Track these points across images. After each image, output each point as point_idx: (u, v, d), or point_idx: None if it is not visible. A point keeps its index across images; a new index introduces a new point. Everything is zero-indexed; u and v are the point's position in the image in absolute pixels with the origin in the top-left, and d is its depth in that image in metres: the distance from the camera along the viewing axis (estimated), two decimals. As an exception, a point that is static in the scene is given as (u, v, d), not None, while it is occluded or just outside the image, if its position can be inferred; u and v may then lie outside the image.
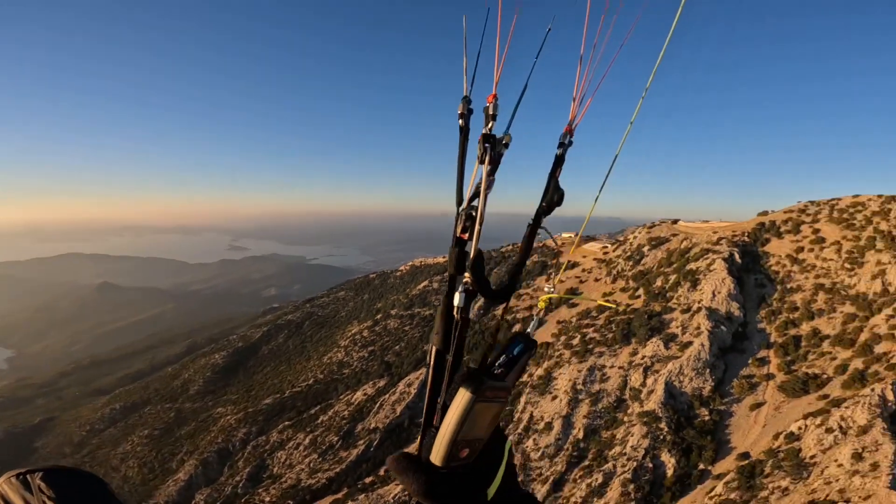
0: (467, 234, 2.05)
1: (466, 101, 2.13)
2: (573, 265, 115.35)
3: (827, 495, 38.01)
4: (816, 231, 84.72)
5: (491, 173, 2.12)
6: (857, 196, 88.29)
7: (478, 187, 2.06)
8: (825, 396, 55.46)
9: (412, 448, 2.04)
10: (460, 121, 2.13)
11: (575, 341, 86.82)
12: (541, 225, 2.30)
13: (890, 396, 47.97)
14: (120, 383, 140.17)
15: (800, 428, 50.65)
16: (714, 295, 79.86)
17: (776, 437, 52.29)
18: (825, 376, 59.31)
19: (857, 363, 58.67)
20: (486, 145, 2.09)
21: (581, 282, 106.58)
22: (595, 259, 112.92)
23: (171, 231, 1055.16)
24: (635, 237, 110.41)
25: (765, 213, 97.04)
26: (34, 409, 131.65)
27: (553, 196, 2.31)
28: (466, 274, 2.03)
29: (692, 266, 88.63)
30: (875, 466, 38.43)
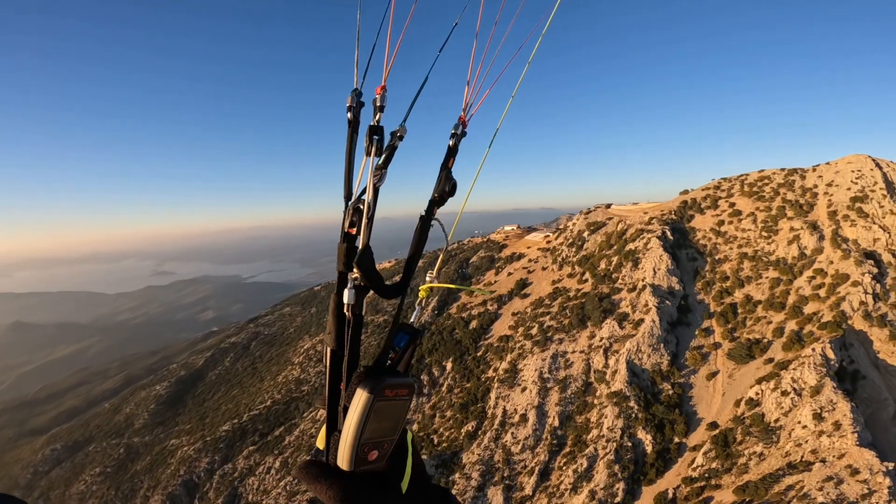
0: (355, 230, 2.05)
1: (356, 93, 2.17)
2: (519, 256, 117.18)
3: (802, 457, 41.02)
4: (732, 205, 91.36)
5: (383, 166, 2.16)
6: (762, 171, 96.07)
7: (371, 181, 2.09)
8: (770, 360, 59.95)
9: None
10: (349, 114, 2.16)
11: (534, 331, 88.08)
12: (434, 217, 2.36)
13: (830, 355, 52.63)
14: (55, 422, 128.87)
15: (757, 394, 54.41)
16: (655, 272, 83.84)
17: (737, 404, 55.90)
18: (766, 340, 64.14)
19: (792, 325, 63.98)
20: (374, 137, 2.13)
21: (529, 272, 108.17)
22: (539, 249, 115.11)
23: (83, 261, 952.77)
24: (574, 224, 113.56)
25: (686, 192, 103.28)
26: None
27: (445, 186, 2.39)
28: (355, 269, 1.99)
29: (631, 246, 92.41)
30: (838, 426, 41.86)
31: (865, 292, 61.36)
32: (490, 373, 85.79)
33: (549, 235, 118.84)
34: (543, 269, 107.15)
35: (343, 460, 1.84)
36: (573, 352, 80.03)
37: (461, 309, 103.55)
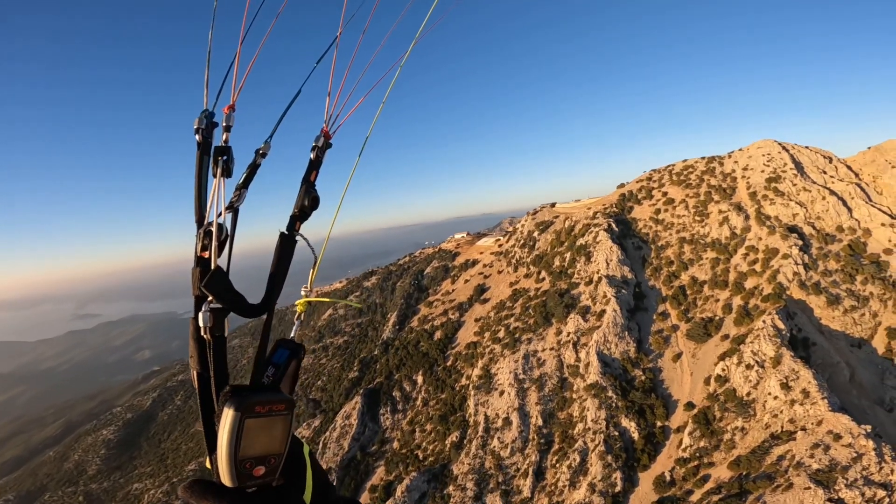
0: (207, 253, 2.09)
1: (207, 114, 2.17)
2: (473, 263, 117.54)
3: (782, 427, 43.77)
4: (665, 194, 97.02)
5: (243, 186, 2.21)
6: (686, 160, 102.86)
7: (229, 203, 2.06)
8: (726, 336, 63.87)
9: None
10: (197, 136, 2.13)
11: (501, 334, 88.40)
12: (297, 231, 2.37)
13: (780, 325, 56.81)
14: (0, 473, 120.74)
15: (723, 370, 57.67)
16: (608, 263, 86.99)
17: (707, 381, 58.96)
18: (718, 318, 68.35)
19: (737, 300, 68.64)
20: (221, 158, 2.14)
21: (485, 277, 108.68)
22: (492, 253, 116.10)
23: None
24: (523, 225, 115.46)
25: (622, 185, 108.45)
26: None
27: (305, 200, 2.38)
28: (209, 292, 2.01)
29: (581, 241, 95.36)
30: (806, 394, 45.09)
31: (796, 263, 67.03)
32: (463, 381, 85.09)
33: (500, 239, 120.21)
34: (499, 272, 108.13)
35: (224, 477, 1.88)
36: (543, 350, 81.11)
37: (423, 321, 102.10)
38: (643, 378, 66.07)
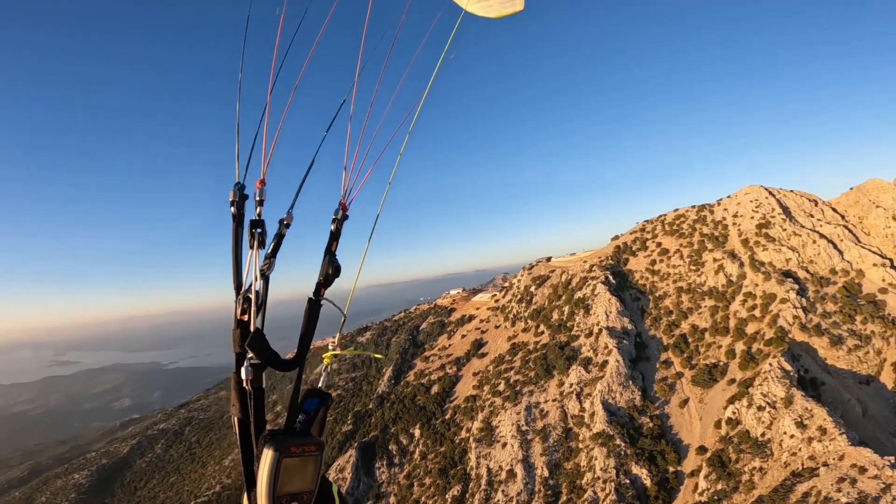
0: (247, 316, 2.40)
1: (239, 187, 2.43)
2: (469, 318, 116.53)
3: (802, 465, 41.98)
4: (659, 244, 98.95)
5: (271, 255, 2.49)
6: (677, 210, 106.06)
7: (261, 271, 2.36)
8: (733, 380, 62.82)
9: None
10: (232, 208, 2.41)
11: (501, 387, 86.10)
12: (323, 297, 2.70)
13: (787, 367, 56.15)
14: None
15: (734, 413, 56.14)
16: (607, 315, 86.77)
17: (717, 425, 57.15)
18: (722, 363, 67.51)
19: (740, 345, 68.15)
20: (256, 231, 2.43)
21: (482, 332, 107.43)
22: (489, 309, 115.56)
23: None
24: (519, 280, 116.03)
25: (617, 238, 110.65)
26: None
27: (328, 269, 2.74)
28: (250, 351, 2.35)
29: (579, 294, 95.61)
30: (823, 430, 43.78)
31: (795, 307, 67.46)
32: (463, 434, 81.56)
33: (496, 295, 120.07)
34: (497, 327, 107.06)
35: None
36: (546, 401, 78.76)
37: (419, 375, 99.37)
38: (651, 425, 63.86)
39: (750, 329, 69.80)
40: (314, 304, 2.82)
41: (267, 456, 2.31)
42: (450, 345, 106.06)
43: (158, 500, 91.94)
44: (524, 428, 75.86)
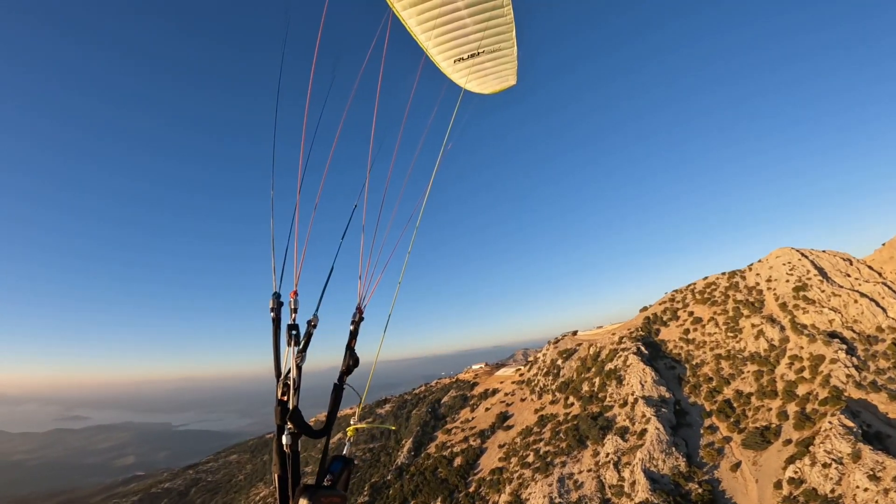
0: (286, 397, 3.06)
1: (276, 296, 3.03)
2: (493, 392, 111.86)
3: (881, 509, 37.43)
4: (691, 313, 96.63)
5: (303, 350, 3.12)
6: (706, 278, 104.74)
7: (296, 363, 3.00)
8: (789, 441, 57.99)
9: None
10: (271, 313, 3.03)
11: (530, 458, 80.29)
12: (345, 383, 3.33)
13: (849, 423, 52.06)
14: None
15: (795, 472, 51.18)
16: (642, 385, 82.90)
17: (778, 486, 51.84)
18: (774, 425, 62.69)
19: (792, 406, 63.70)
20: (293, 333, 3.06)
21: (508, 405, 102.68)
22: (514, 382, 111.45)
23: None
24: (545, 354, 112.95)
25: (645, 309, 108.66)
26: None
27: (349, 362, 3.39)
28: (289, 423, 3.02)
29: (610, 366, 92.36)
30: (901, 472, 39.60)
31: (846, 366, 63.86)
32: (492, 512, 74.34)
33: (520, 369, 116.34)
34: (522, 400, 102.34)
35: None
36: (580, 472, 72.75)
37: (441, 448, 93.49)
38: (700, 491, 57.96)
39: (801, 390, 65.63)
40: (338, 389, 3.56)
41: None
42: (473, 417, 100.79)
43: None
44: (557, 500, 69.30)
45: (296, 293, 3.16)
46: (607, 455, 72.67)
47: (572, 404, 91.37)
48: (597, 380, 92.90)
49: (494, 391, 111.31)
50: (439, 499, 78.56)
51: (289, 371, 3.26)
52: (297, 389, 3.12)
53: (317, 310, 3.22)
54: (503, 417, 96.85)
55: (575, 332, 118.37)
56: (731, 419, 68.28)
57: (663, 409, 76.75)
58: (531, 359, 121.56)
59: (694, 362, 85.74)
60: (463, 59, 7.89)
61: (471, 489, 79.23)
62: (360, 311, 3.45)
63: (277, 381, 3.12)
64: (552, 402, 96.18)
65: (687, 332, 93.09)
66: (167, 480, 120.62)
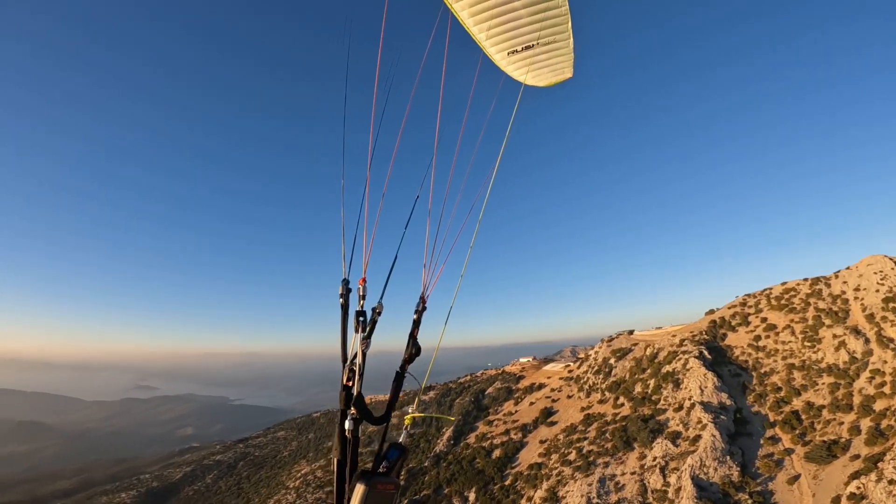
0: (351, 382, 3.26)
1: (345, 282, 3.27)
2: (539, 386, 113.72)
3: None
4: (764, 319, 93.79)
5: (367, 337, 3.34)
6: (785, 283, 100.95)
7: (362, 349, 3.19)
8: (856, 456, 56.53)
9: None
10: (340, 299, 3.26)
11: (572, 456, 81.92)
12: (406, 371, 3.61)
13: (927, 437, 50.34)
14: None
15: (858, 488, 50.24)
16: (702, 390, 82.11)
17: (836, 501, 51.13)
18: (844, 439, 61.04)
19: (866, 422, 61.68)
20: (360, 319, 3.28)
21: (553, 401, 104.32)
22: (561, 378, 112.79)
23: (66, 367, 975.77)
24: (597, 352, 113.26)
25: (712, 312, 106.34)
26: None
27: (412, 350, 3.70)
28: (353, 409, 3.17)
29: (668, 368, 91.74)
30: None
31: (936, 383, 60.96)
32: (523, 502, 77.18)
33: (569, 365, 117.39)
34: (569, 397, 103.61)
35: None
36: (623, 474, 73.77)
37: (480, 438, 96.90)
38: (751, 502, 57.78)
39: (879, 406, 63.25)
40: (399, 377, 3.80)
41: (360, 489, 3.05)
42: (516, 411, 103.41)
43: None
44: (595, 501, 70.84)
45: (364, 280, 3.36)
46: (654, 459, 73.17)
47: (622, 405, 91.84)
48: (651, 382, 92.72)
49: (540, 386, 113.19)
50: (473, 489, 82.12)
51: (354, 356, 3.48)
52: (361, 375, 3.31)
53: (381, 297, 3.41)
54: (547, 413, 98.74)
55: (631, 332, 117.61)
56: (797, 431, 66.93)
57: (722, 417, 75.95)
58: (581, 356, 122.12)
59: (762, 370, 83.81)
60: (517, 51, 8.01)
61: (507, 482, 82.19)
62: (423, 300, 3.62)
63: (343, 365, 3.30)
64: (600, 402, 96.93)
65: (758, 338, 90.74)
66: (219, 453, 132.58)
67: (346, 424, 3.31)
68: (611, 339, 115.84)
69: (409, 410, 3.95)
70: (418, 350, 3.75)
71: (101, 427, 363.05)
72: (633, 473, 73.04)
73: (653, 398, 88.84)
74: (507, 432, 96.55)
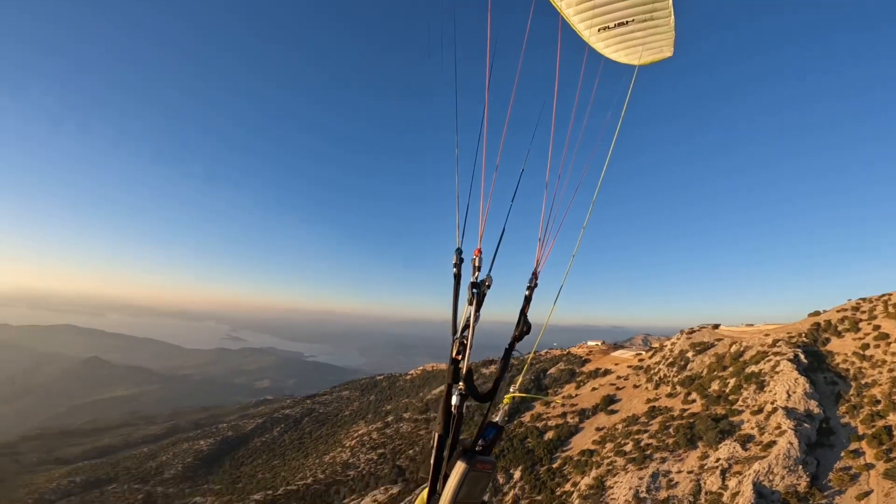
0: (461, 356, 3.22)
1: (459, 252, 3.14)
2: (605, 372, 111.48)
3: None
4: (877, 327, 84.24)
5: (476, 310, 3.23)
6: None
7: (467, 321, 3.10)
8: (952, 483, 50.53)
9: None
10: (454, 269, 3.16)
11: (628, 447, 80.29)
12: (514, 349, 3.50)
13: None
14: (85, 456, 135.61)
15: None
16: (789, 395, 76.40)
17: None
18: (940, 464, 54.63)
19: (974, 448, 54.59)
20: (474, 291, 3.18)
21: (618, 388, 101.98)
22: (629, 367, 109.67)
23: (170, 315, 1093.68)
24: (674, 343, 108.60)
25: (816, 314, 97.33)
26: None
27: (523, 328, 3.54)
28: (460, 383, 3.15)
29: (753, 369, 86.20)
30: None
31: None
32: (568, 487, 77.27)
33: (640, 354, 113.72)
34: (636, 386, 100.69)
35: None
36: (679, 472, 71.27)
37: (535, 418, 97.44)
38: (814, 515, 53.91)
39: None
40: (508, 354, 3.78)
41: (460, 467, 3.08)
42: (577, 395, 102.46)
43: (256, 479, 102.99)
44: (643, 495, 69.24)
45: (480, 251, 3.26)
46: (717, 460, 69.77)
47: (693, 401, 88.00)
48: (732, 381, 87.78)
49: (606, 372, 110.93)
50: (520, 467, 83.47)
51: (465, 329, 3.42)
52: (470, 349, 3.27)
53: (490, 270, 3.31)
54: (609, 400, 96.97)
55: (716, 326, 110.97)
56: (884, 447, 60.76)
57: (805, 425, 70.26)
58: (655, 345, 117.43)
59: (863, 381, 76.00)
60: (609, 27, 7.63)
61: (555, 465, 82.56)
62: (535, 276, 3.52)
63: (453, 339, 3.24)
64: (669, 395, 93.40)
65: (865, 346, 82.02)
66: (288, 407, 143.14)
67: (453, 400, 3.36)
68: (692, 332, 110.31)
69: (511, 389, 3.91)
70: (529, 328, 3.63)
71: (195, 374, 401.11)
72: (689, 472, 70.22)
73: (730, 398, 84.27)
74: (563, 415, 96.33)
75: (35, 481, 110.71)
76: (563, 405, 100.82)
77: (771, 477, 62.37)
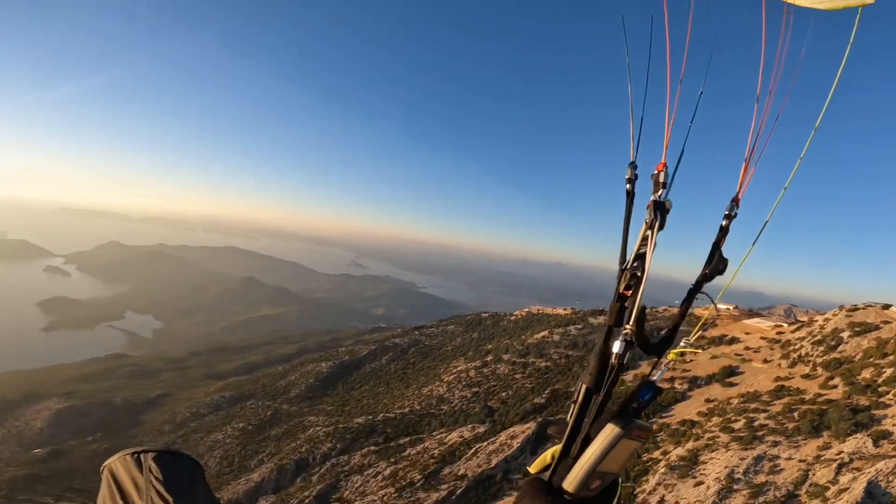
0: (630, 291, 2.41)
1: (633, 166, 2.49)
2: (731, 340, 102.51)
3: None
4: None
5: (654, 235, 2.41)
6: None
7: (639, 248, 2.38)
8: None
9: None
10: (627, 185, 2.45)
11: (737, 425, 74.87)
12: (701, 290, 2.61)
13: None
14: (235, 372, 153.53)
15: None
16: (961, 395, 65.04)
17: None
18: None
19: None
20: (657, 211, 2.41)
21: (743, 360, 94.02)
22: (763, 338, 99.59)
23: (308, 240, 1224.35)
24: (828, 320, 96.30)
25: None
26: (157, 383, 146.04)
27: (718, 265, 2.59)
28: (628, 326, 2.36)
29: (922, 359, 74.19)
30: None
31: None
32: (657, 454, 74.72)
33: (781, 325, 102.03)
34: (766, 361, 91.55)
35: (572, 483, 2.15)
36: (789, 458, 64.92)
37: (638, 378, 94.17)
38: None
39: None
40: (691, 296, 2.80)
41: (611, 431, 2.37)
42: (691, 360, 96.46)
43: (361, 404, 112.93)
44: (737, 475, 64.46)
45: (665, 165, 2.43)
46: (839, 453, 62.17)
47: (834, 387, 78.57)
48: (889, 371, 76.54)
49: (732, 340, 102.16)
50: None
51: (636, 259, 2.43)
52: (645, 284, 2.41)
53: (668, 192, 2.42)
54: (728, 372, 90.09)
55: (886, 306, 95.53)
56: None
57: (966, 433, 59.71)
58: (803, 318, 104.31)
59: None
60: None
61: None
62: (736, 203, 2.50)
63: (621, 269, 2.38)
64: (805, 377, 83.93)
65: None
66: (397, 336, 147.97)
67: (615, 346, 2.46)
68: (854, 309, 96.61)
69: (682, 343, 2.83)
70: (725, 265, 2.58)
71: (326, 297, 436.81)
72: (801, 461, 63.58)
73: (880, 389, 73.84)
74: (671, 379, 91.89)
75: (194, 396, 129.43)
76: (672, 369, 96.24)
77: (891, 478, 54.75)
